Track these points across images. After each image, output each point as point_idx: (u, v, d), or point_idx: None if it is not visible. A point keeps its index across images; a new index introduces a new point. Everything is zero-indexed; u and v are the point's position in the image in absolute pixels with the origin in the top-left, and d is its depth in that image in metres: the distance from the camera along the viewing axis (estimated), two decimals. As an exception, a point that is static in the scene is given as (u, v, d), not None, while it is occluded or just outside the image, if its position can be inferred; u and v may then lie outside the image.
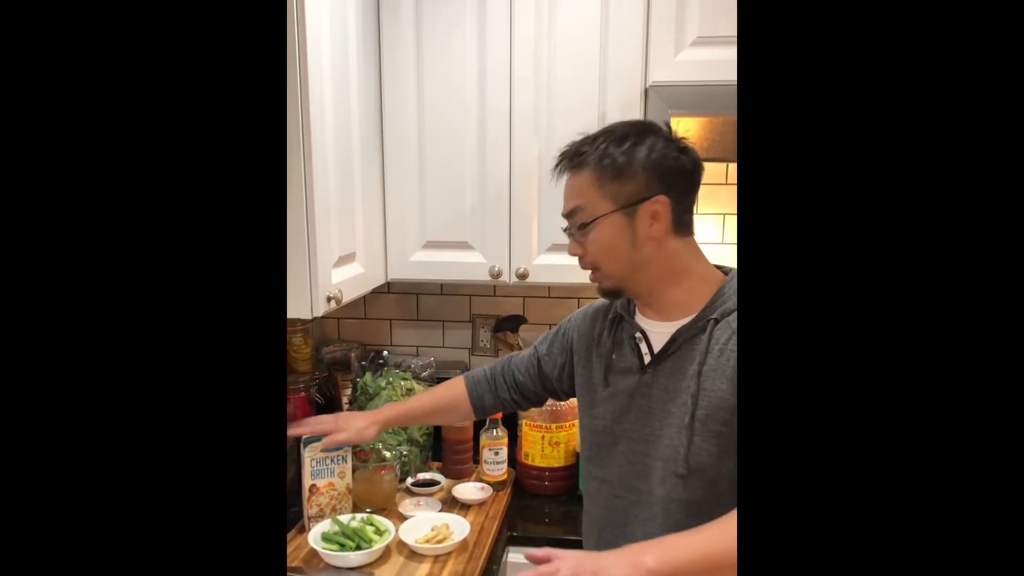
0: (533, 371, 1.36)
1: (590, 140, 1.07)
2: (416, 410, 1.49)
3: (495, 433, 1.70)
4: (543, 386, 1.36)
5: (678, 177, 1.04)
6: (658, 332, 1.10)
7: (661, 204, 1.02)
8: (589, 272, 1.11)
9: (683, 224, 1.06)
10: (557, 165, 1.10)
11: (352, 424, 1.42)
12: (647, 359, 1.10)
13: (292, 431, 1.46)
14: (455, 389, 1.46)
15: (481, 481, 1.71)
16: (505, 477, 1.72)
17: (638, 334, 1.11)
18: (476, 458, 1.77)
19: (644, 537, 1.06)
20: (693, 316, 1.07)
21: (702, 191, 1.10)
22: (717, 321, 1.05)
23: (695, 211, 1.08)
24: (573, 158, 1.07)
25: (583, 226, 1.06)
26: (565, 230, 1.11)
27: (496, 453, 1.70)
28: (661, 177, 1.03)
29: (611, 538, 1.13)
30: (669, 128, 1.08)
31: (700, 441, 1.03)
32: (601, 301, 1.27)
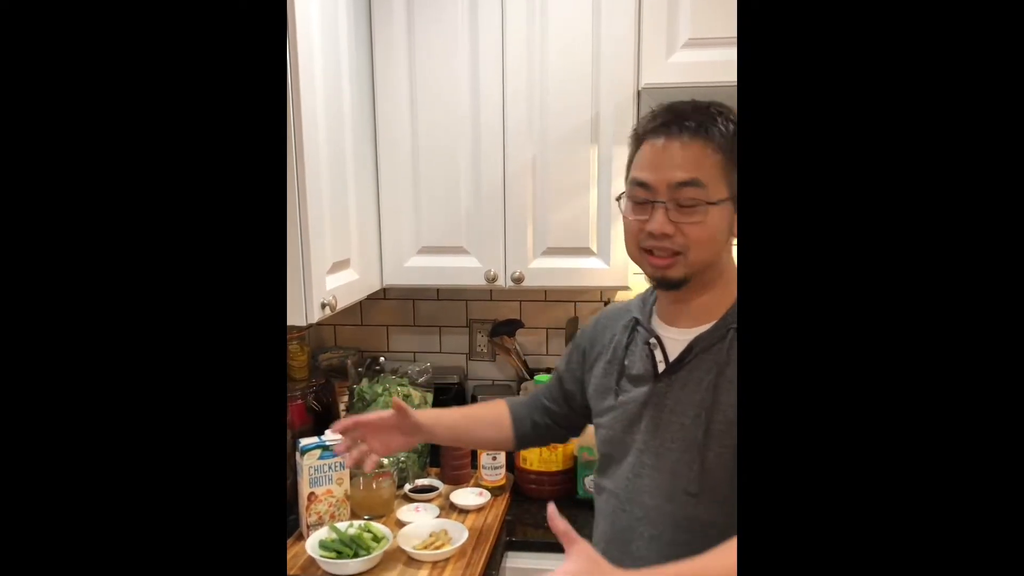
0: (557, 392, 1.28)
1: (703, 108, 0.97)
2: (459, 427, 1.34)
3: (493, 438, 1.70)
4: (569, 406, 1.26)
5: None
6: (674, 339, 1.04)
7: None
8: (653, 256, 0.99)
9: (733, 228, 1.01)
10: (656, 121, 0.98)
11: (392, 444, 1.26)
12: (661, 367, 1.03)
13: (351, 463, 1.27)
14: (498, 411, 1.33)
15: (479, 486, 1.70)
16: (503, 482, 1.71)
17: (652, 340, 1.05)
18: (474, 463, 1.76)
19: (648, 555, 1.01)
20: (713, 323, 1.01)
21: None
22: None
23: None
24: (687, 120, 0.95)
25: (691, 205, 0.95)
26: (642, 200, 0.98)
27: (494, 458, 1.69)
28: None
29: (617, 555, 1.05)
30: None
31: (714, 458, 0.97)
32: (613, 305, 1.21)
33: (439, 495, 1.68)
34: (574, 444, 1.69)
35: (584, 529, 1.54)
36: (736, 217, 0.98)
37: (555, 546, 1.53)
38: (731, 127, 0.96)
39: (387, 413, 1.22)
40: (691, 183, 0.95)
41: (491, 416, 1.33)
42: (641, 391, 1.05)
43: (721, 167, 0.95)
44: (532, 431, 1.30)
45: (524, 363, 1.96)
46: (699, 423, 0.98)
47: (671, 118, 0.97)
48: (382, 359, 1.96)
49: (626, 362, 1.09)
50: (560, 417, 1.28)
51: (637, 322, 1.09)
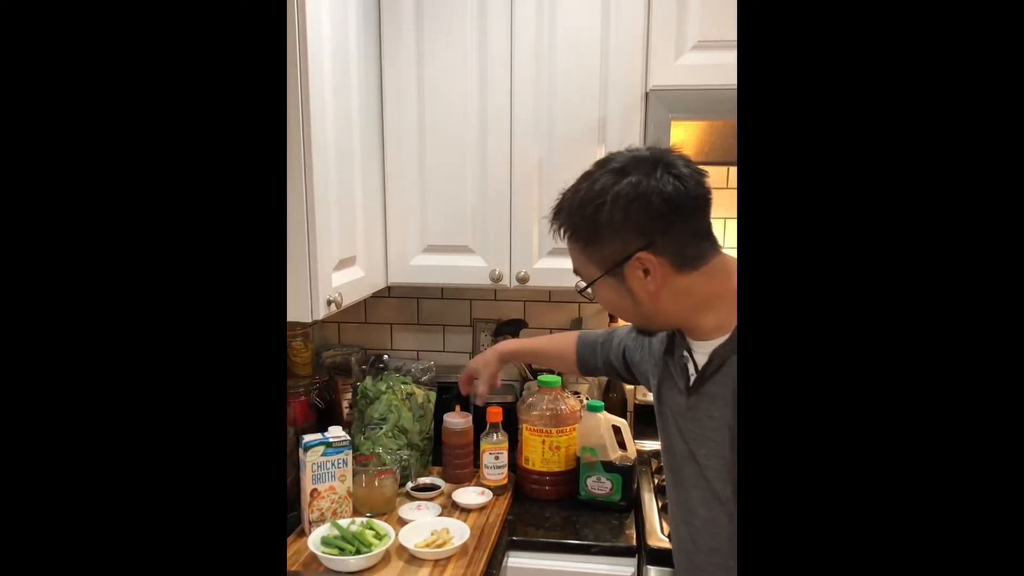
0: (620, 355, 1.33)
1: (567, 193, 0.98)
2: (536, 349, 1.55)
3: (495, 437, 1.70)
4: (628, 371, 1.33)
5: (662, 219, 0.91)
6: (701, 352, 1.01)
7: (646, 260, 0.92)
8: None
9: (688, 259, 0.94)
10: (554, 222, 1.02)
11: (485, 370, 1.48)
12: (692, 380, 1.02)
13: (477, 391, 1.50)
14: (568, 342, 1.46)
15: (481, 485, 1.70)
16: (505, 481, 1.72)
17: (685, 352, 1.04)
18: (476, 462, 1.76)
19: (708, 568, 1.01)
20: (727, 336, 0.97)
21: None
22: None
23: (708, 228, 0.96)
24: (553, 219, 0.99)
25: (584, 290, 1.01)
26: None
27: (496, 457, 1.69)
28: (638, 229, 0.91)
29: (684, 566, 1.07)
30: (655, 156, 0.94)
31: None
32: None
33: (441, 494, 1.68)
34: (577, 445, 1.69)
35: (584, 529, 1.56)
36: (629, 280, 0.95)
37: (557, 546, 1.54)
38: (574, 206, 0.96)
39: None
40: (576, 272, 1.03)
41: (559, 351, 1.48)
42: (678, 403, 1.06)
43: (578, 250, 0.99)
44: (595, 367, 1.42)
45: (528, 363, 1.96)
46: (727, 438, 0.97)
47: (553, 225, 1.00)
48: (386, 357, 1.97)
49: (670, 369, 1.09)
50: (620, 368, 1.34)
51: (675, 333, 1.08)
